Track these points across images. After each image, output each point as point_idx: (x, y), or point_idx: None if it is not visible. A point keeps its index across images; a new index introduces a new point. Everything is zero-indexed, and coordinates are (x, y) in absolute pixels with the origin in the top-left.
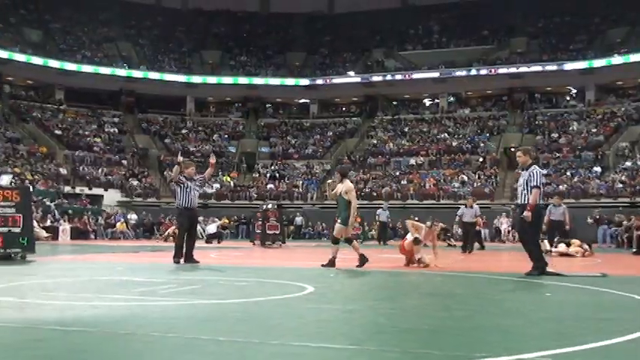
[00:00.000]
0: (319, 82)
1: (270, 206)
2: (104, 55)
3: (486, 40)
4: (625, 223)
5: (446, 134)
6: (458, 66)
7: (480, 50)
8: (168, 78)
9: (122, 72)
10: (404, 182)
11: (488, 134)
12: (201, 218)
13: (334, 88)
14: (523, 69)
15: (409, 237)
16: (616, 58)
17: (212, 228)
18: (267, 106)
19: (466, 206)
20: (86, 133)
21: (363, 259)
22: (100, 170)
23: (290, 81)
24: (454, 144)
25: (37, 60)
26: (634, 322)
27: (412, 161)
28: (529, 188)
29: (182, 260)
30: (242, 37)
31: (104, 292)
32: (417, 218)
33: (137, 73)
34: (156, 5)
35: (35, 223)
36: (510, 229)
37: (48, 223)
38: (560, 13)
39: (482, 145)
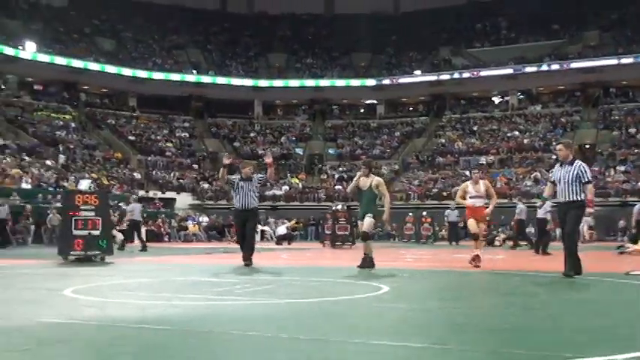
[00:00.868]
0: (386, 82)
1: (339, 207)
2: (174, 61)
3: (557, 35)
4: None
5: (516, 132)
6: (528, 62)
7: (551, 45)
8: (236, 82)
9: (191, 78)
10: None
11: (561, 131)
12: (271, 220)
13: (401, 88)
14: (597, 63)
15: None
16: None
17: (282, 230)
18: (334, 107)
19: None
20: (158, 138)
21: (368, 262)
22: (172, 174)
23: (356, 82)
24: (525, 142)
25: (110, 69)
26: None
27: (482, 160)
28: (578, 184)
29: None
30: (307, 40)
31: (182, 292)
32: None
33: (206, 79)
34: (222, 11)
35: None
36: (586, 228)
37: (124, 226)
38: (634, 3)
39: (555, 142)
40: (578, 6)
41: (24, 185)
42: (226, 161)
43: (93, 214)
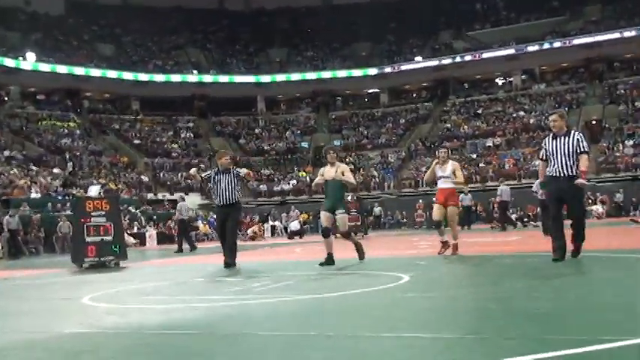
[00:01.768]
0: (387, 70)
1: (349, 198)
2: (174, 62)
3: (557, 12)
4: None
5: (522, 112)
6: (530, 41)
7: (553, 22)
8: (238, 79)
9: (193, 78)
10: (482, 164)
11: (566, 108)
12: (283, 215)
13: (403, 75)
14: (599, 38)
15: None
16: None
17: (295, 225)
18: (337, 98)
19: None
20: (163, 140)
21: (362, 252)
22: (179, 175)
23: (358, 72)
24: (531, 121)
25: (111, 73)
26: None
27: (489, 142)
28: (575, 156)
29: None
30: (306, 33)
31: (201, 293)
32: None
33: (207, 78)
34: (219, 9)
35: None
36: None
37: (135, 229)
38: None
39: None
40: None
41: (33, 195)
42: (192, 172)
43: (104, 219)
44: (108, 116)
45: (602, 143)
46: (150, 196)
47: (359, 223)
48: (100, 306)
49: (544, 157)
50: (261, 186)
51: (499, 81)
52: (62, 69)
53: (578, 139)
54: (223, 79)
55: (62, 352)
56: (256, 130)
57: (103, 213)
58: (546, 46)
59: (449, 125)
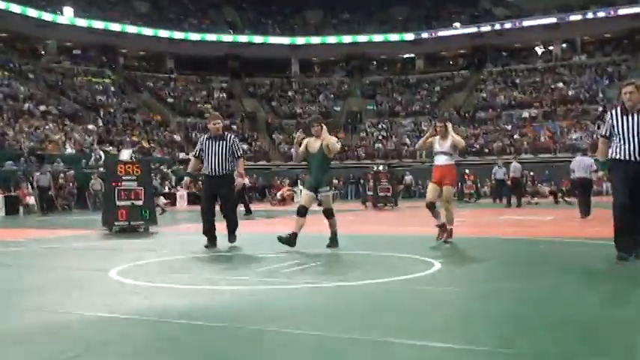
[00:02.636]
0: (424, 35)
1: (381, 168)
2: (210, 21)
3: None
4: None
5: (561, 83)
6: (572, 9)
7: None
8: (273, 41)
9: (228, 37)
10: (517, 136)
11: (607, 81)
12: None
13: (440, 42)
14: None
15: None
16: None
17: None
18: (372, 63)
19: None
20: (196, 99)
21: (335, 240)
22: None
23: (394, 36)
24: (570, 93)
25: (147, 31)
26: None
27: (525, 114)
28: None
29: (211, 243)
30: None
31: (226, 272)
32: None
33: (242, 38)
34: None
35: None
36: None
37: (166, 189)
38: None
39: (601, 93)
40: None
41: (67, 151)
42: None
43: (135, 184)
44: (142, 74)
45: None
46: (182, 155)
47: (389, 194)
48: (126, 282)
49: (607, 134)
50: (292, 149)
51: (539, 50)
52: (98, 24)
53: None
54: (258, 39)
55: (84, 341)
56: (289, 93)
57: (134, 177)
58: (590, 15)
59: (484, 94)
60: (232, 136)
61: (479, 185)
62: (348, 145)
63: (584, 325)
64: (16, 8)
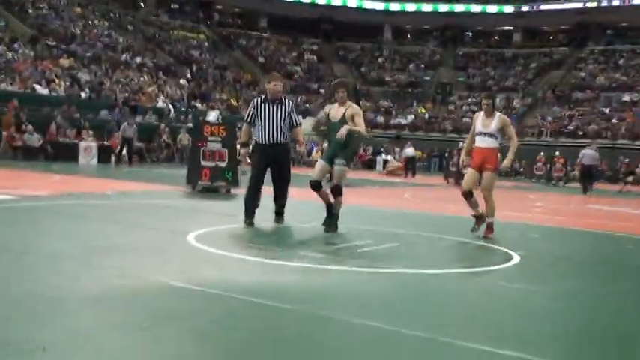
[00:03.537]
0: (525, 8)
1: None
2: None
3: None
4: None
5: None
6: None
7: None
8: (367, 5)
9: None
10: (614, 120)
11: None
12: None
13: (541, 16)
14: None
15: None
16: None
17: (410, 151)
18: (467, 34)
19: None
20: (287, 61)
21: (334, 224)
22: (298, 98)
23: (493, 8)
24: None
25: None
26: None
27: (626, 97)
28: None
29: (250, 218)
30: None
31: (302, 246)
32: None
33: (336, 1)
34: None
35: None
36: None
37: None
38: None
39: None
40: None
41: (159, 104)
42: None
43: (220, 145)
44: (236, 31)
45: None
46: None
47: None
48: (202, 249)
49: None
50: (377, 117)
51: None
52: None
53: None
54: (352, 3)
55: (155, 313)
56: (379, 60)
57: (220, 139)
58: None
59: (583, 74)
60: (292, 102)
61: (568, 169)
62: (435, 117)
63: None
64: None
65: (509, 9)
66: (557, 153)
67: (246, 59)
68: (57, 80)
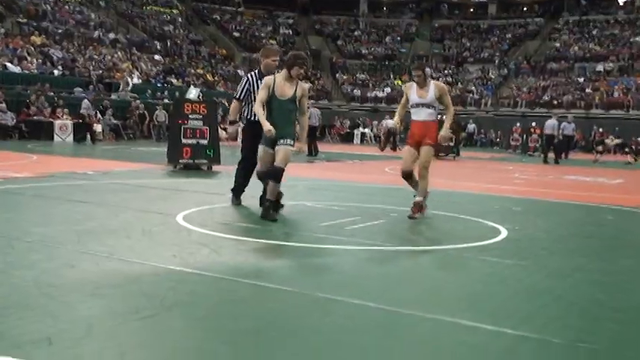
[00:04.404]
0: None
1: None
2: None
3: None
4: None
5: None
6: None
7: None
8: None
9: None
10: (588, 90)
11: None
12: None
13: None
14: None
15: None
16: None
17: (390, 122)
18: (442, 6)
19: None
20: (262, 35)
21: (272, 212)
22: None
23: None
24: None
25: None
26: None
27: (599, 67)
28: None
29: (238, 197)
30: None
31: (292, 225)
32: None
33: None
34: None
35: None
36: None
37: (227, 125)
38: None
39: None
40: None
41: (134, 80)
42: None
43: (201, 123)
44: (210, 6)
45: None
46: None
47: (452, 144)
48: (194, 231)
49: None
50: (354, 90)
51: (620, 1)
52: None
53: None
54: None
55: (156, 299)
56: (356, 33)
57: (201, 116)
58: None
59: (558, 44)
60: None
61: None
62: None
63: None
64: None
65: None
66: (533, 124)
67: (220, 34)
68: (29, 58)
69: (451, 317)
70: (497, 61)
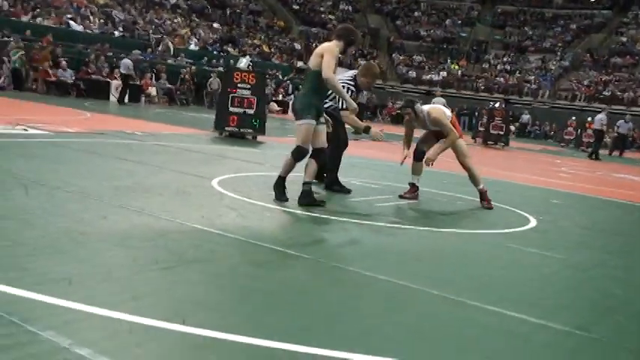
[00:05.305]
0: None
1: (497, 105)
2: None
3: None
4: None
5: None
6: None
7: None
8: None
9: None
10: None
11: None
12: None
13: None
14: None
15: None
16: None
17: (440, 101)
18: None
19: None
20: (321, 9)
21: (310, 196)
22: None
23: None
24: None
25: None
26: None
27: None
28: None
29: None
30: None
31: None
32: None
33: None
34: None
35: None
36: None
37: (280, 97)
38: None
39: None
40: None
41: (191, 47)
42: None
43: (249, 92)
44: None
45: None
46: (300, 64)
47: (502, 133)
48: (225, 195)
49: None
50: (410, 72)
51: None
52: None
53: None
54: None
55: (177, 254)
56: (415, 14)
57: (249, 86)
58: None
59: (625, 39)
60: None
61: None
62: (468, 75)
63: None
64: None
65: None
66: (589, 119)
67: (280, 6)
68: (91, 18)
69: (456, 296)
70: (559, 52)
